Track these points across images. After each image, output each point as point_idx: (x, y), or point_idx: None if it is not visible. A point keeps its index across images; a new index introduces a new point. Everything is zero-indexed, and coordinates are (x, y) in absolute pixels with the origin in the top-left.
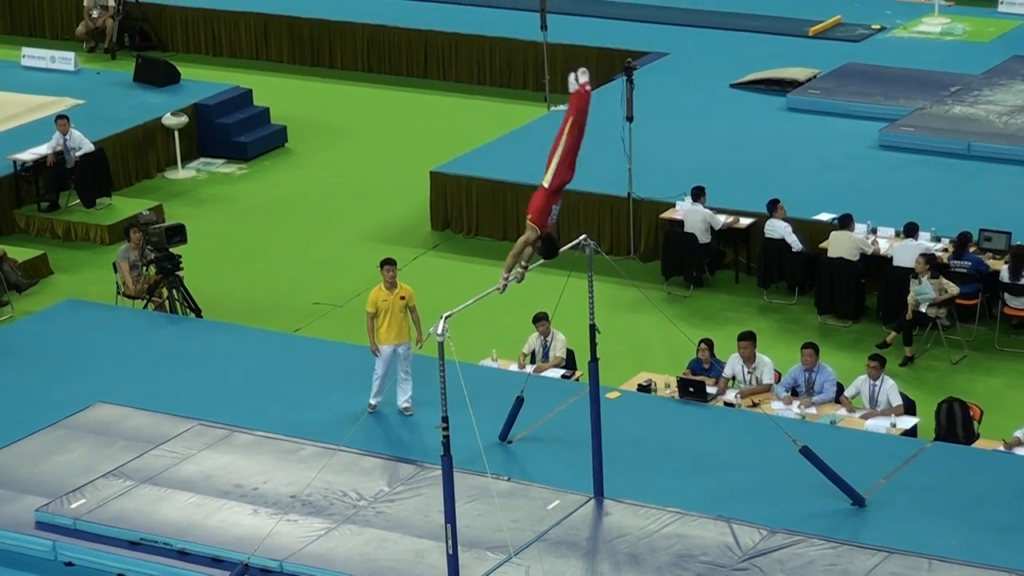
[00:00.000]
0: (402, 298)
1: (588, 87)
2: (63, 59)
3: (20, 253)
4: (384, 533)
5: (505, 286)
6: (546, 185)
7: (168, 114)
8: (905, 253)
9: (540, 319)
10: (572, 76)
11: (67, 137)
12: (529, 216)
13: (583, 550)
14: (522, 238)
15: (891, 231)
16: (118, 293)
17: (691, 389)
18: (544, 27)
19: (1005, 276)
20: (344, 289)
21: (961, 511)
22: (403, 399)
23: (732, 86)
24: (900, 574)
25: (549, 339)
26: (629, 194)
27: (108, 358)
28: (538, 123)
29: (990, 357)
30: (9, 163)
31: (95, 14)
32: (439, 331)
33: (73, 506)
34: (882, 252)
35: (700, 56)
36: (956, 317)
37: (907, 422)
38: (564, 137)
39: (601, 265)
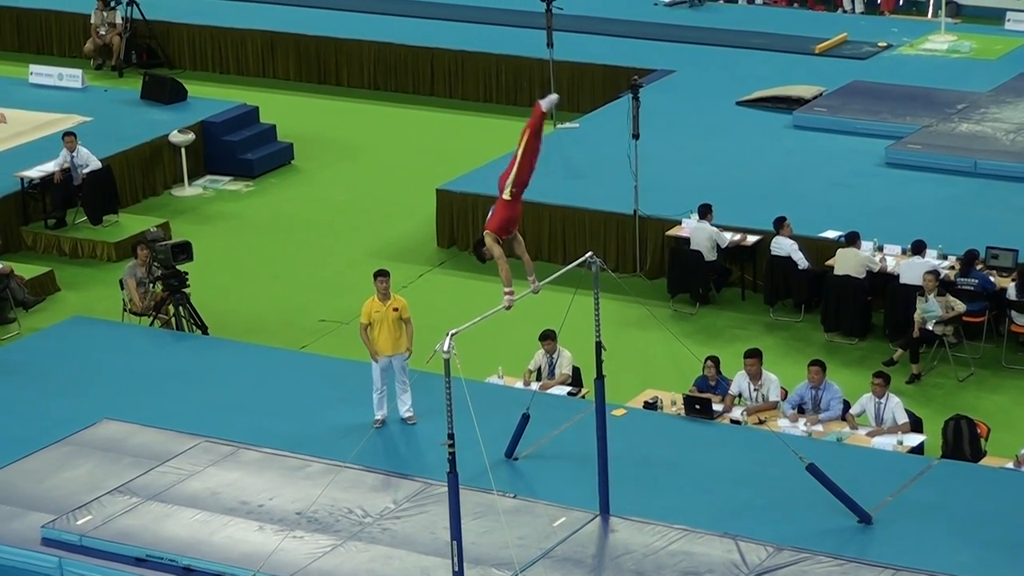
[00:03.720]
0: (395, 310)
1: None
2: (71, 76)
3: (27, 270)
4: (390, 550)
5: (511, 305)
6: (507, 197)
7: (175, 131)
8: (912, 271)
9: (546, 337)
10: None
11: (74, 154)
12: (490, 228)
13: (589, 567)
14: (494, 249)
15: (898, 249)
16: (124, 310)
17: (697, 406)
18: (550, 45)
19: (1012, 294)
20: (350, 306)
21: (968, 529)
22: (404, 409)
23: (738, 104)
24: None
25: (555, 356)
26: (635, 211)
27: (114, 375)
28: (545, 141)
29: (997, 374)
30: (16, 180)
31: (102, 32)
32: (445, 348)
33: (79, 523)
34: (889, 270)
35: (706, 74)
36: (963, 335)
37: (914, 439)
38: (524, 142)
39: (607, 283)
